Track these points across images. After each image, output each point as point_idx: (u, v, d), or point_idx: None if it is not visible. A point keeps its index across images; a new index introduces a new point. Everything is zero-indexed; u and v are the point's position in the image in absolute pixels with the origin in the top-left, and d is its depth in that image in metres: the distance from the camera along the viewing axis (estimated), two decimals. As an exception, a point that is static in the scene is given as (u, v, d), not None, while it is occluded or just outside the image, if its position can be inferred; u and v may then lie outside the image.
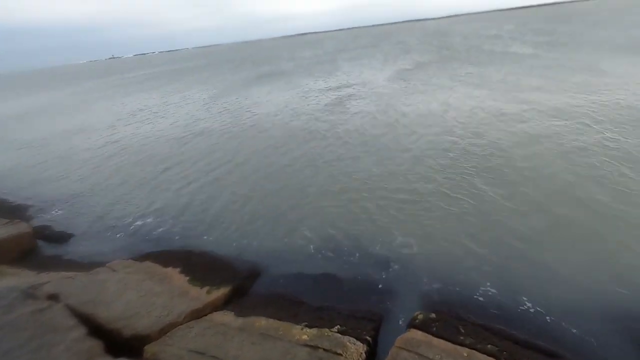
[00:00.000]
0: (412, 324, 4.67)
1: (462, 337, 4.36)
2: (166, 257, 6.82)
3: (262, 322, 4.94)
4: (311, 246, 6.97)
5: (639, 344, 4.38)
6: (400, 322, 5.06)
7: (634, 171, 7.96)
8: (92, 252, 7.59)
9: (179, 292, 5.73)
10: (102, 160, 14.20)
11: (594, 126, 10.88)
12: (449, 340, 4.27)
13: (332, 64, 41.69)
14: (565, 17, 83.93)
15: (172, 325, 4.90)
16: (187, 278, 6.10)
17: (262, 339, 4.56)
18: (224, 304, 5.62)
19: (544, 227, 6.64)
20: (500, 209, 7.28)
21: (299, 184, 9.60)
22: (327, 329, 4.70)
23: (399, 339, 4.33)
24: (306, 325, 4.82)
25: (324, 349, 4.26)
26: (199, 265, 6.57)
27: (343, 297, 5.66)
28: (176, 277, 6.16)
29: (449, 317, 4.75)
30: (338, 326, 4.79)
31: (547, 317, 4.88)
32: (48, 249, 8.01)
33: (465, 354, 4.05)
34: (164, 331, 4.79)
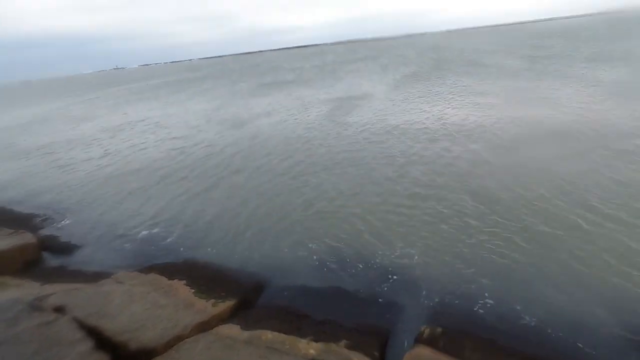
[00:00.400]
0: (419, 339, 4.66)
1: (469, 354, 4.35)
2: (171, 268, 6.83)
3: (268, 335, 4.93)
4: (314, 258, 6.98)
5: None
6: (407, 337, 5.03)
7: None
8: (96, 263, 7.59)
9: (184, 304, 5.72)
10: (104, 170, 14.27)
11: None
12: (457, 357, 4.26)
13: (332, 74, 42.26)
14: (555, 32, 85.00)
15: (178, 338, 4.89)
16: (193, 290, 6.09)
17: (268, 353, 4.54)
18: (230, 316, 5.60)
19: (545, 239, 6.67)
20: (501, 221, 7.31)
21: (302, 195, 9.65)
22: (333, 344, 4.69)
23: (407, 355, 4.32)
24: (312, 339, 4.81)
25: (332, 364, 4.25)
26: (203, 277, 6.57)
27: (347, 310, 5.65)
28: (181, 289, 6.15)
29: (455, 332, 4.74)
30: (345, 340, 4.77)
31: (552, 332, 4.87)
32: (53, 260, 8.00)
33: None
34: (170, 344, 4.77)
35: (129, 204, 10.55)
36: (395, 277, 6.24)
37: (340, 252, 7.05)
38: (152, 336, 4.89)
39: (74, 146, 19.50)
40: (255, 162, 12.81)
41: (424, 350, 4.34)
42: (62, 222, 9.77)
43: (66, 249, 8.34)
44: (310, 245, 7.34)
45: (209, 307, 5.65)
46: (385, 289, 6.03)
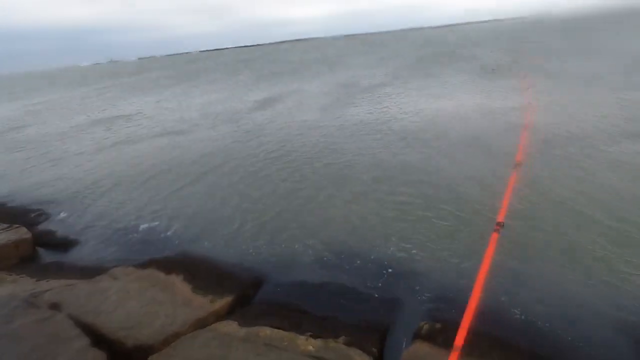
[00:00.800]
0: (418, 335, 4.66)
1: (468, 349, 4.34)
2: (168, 264, 6.78)
3: (266, 332, 4.91)
4: (313, 253, 6.95)
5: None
6: (406, 333, 5.01)
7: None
8: (92, 258, 7.52)
9: (182, 300, 5.68)
10: (99, 164, 14.12)
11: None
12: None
13: (330, 68, 42.11)
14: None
15: (176, 335, 4.86)
16: (190, 286, 6.06)
17: (266, 350, 4.53)
18: (228, 313, 5.58)
19: (544, 230, 6.68)
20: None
21: (300, 190, 9.61)
22: (332, 340, 4.68)
23: (405, 351, 4.33)
24: (311, 336, 4.79)
25: (330, 361, 4.24)
26: (201, 272, 6.53)
27: (346, 306, 5.63)
28: (179, 285, 6.12)
29: (454, 328, 4.73)
30: (343, 337, 4.76)
31: (556, 329, 4.87)
32: (48, 255, 7.93)
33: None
34: (167, 341, 4.74)
35: (125, 198, 10.46)
36: (393, 271, 6.23)
37: (338, 247, 7.03)
38: (149, 333, 4.86)
39: (67, 139, 19.29)
40: (252, 157, 12.72)
41: (422, 346, 4.34)
42: (57, 216, 9.67)
43: (62, 244, 8.27)
44: (308, 241, 7.31)
45: (206, 304, 5.62)
46: (384, 284, 6.02)
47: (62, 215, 9.74)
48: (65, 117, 27.15)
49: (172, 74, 65.64)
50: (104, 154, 15.45)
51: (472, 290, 4.43)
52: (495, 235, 5.23)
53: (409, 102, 18.62)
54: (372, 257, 6.64)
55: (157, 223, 8.72)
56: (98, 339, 4.64)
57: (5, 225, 8.40)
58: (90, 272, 6.76)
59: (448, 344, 4.42)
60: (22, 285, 6.23)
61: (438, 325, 4.78)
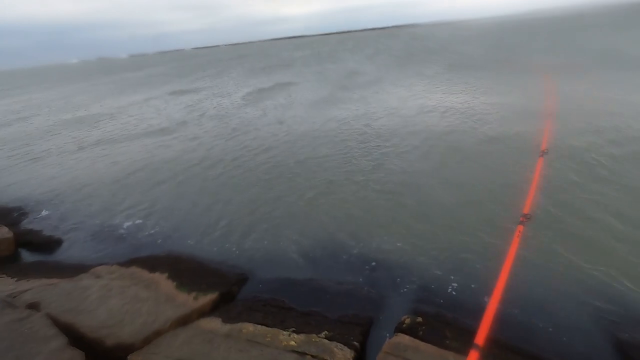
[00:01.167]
0: (400, 329, 4.69)
1: (448, 341, 4.40)
2: (152, 262, 6.71)
3: (249, 328, 4.90)
4: (298, 250, 6.95)
5: (622, 347, 4.46)
6: (389, 327, 5.05)
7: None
8: (75, 258, 7.41)
9: (165, 298, 5.63)
10: (81, 162, 13.92)
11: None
12: (436, 345, 4.30)
13: (320, 65, 42.11)
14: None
15: (158, 333, 4.82)
16: (174, 284, 6.00)
17: (249, 346, 4.52)
18: (211, 309, 5.55)
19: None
20: (480, 209, 7.39)
21: (284, 186, 9.60)
22: (314, 335, 4.69)
23: (386, 343, 4.34)
24: (294, 331, 4.80)
25: (312, 355, 4.24)
26: (186, 270, 6.48)
27: (331, 301, 5.64)
28: (163, 282, 6.06)
29: (435, 321, 4.78)
30: (326, 332, 4.77)
31: (534, 322, 4.95)
32: (29, 255, 7.79)
33: (452, 359, 4.08)
34: (148, 339, 4.69)
35: (108, 196, 10.32)
36: (378, 267, 6.26)
37: (323, 244, 7.03)
38: (130, 331, 4.81)
39: (49, 138, 18.97)
40: (237, 154, 12.68)
41: (403, 339, 4.37)
42: (39, 216, 9.50)
43: (44, 243, 8.13)
44: (293, 237, 7.30)
45: (190, 301, 5.58)
46: (368, 279, 6.05)
47: (44, 214, 9.58)
48: (48, 115, 26.67)
49: (164, 71, 64.84)
50: (86, 152, 15.23)
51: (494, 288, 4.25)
52: (521, 227, 5.22)
53: (391, 99, 18.72)
54: (357, 253, 6.66)
55: (140, 221, 8.63)
56: (77, 338, 4.58)
57: (-14, 225, 8.23)
58: (72, 271, 6.66)
59: (428, 337, 4.49)
60: (1, 286, 6.10)
61: (419, 319, 4.83)
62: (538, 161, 8.22)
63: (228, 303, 5.78)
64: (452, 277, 5.82)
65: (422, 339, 4.42)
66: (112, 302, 5.43)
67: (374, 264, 6.34)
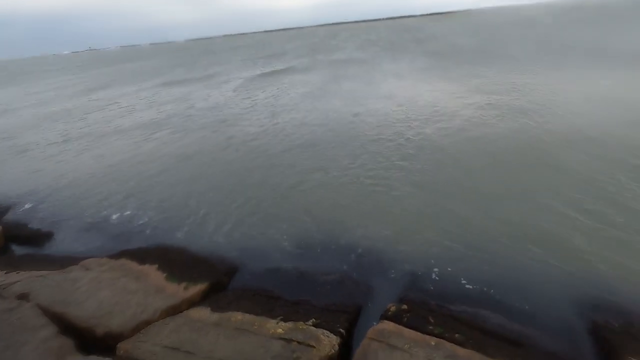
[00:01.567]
0: (385, 316, 4.82)
1: (431, 327, 4.53)
2: (142, 254, 6.75)
3: (238, 317, 4.98)
4: (287, 241, 7.03)
5: (597, 333, 4.63)
6: (375, 314, 5.17)
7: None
8: (65, 251, 7.41)
9: (155, 289, 5.69)
10: (68, 155, 13.84)
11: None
12: (419, 330, 4.43)
13: (311, 57, 41.90)
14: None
15: (147, 323, 4.88)
16: (164, 275, 6.06)
17: (237, 334, 4.61)
18: (201, 300, 5.62)
19: (512, 217, 6.93)
20: (470, 201, 7.53)
21: (273, 178, 9.65)
22: (301, 323, 4.79)
23: (370, 330, 4.47)
24: (281, 320, 4.89)
25: (298, 342, 4.35)
26: (176, 261, 6.52)
27: (319, 290, 5.74)
28: (152, 274, 6.11)
29: (420, 308, 4.92)
30: (313, 319, 4.88)
31: (513, 308, 5.11)
32: (19, 248, 7.77)
33: (433, 343, 4.22)
34: (138, 328, 4.76)
35: (97, 188, 10.29)
36: (365, 256, 6.38)
37: (311, 234, 7.13)
38: (120, 321, 4.87)
39: (36, 131, 18.73)
40: (225, 145, 12.71)
41: (387, 325, 4.49)
42: (28, 209, 9.44)
43: (33, 236, 8.11)
44: (282, 227, 7.38)
45: (179, 291, 5.64)
46: (356, 268, 6.16)
47: (31, 207, 9.53)
48: (35, 109, 26.23)
49: (156, 63, 63.87)
50: (73, 145, 15.14)
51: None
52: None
53: (381, 89, 18.76)
54: (344, 243, 6.76)
55: (129, 213, 8.64)
56: (67, 327, 4.63)
57: (-26, 218, 8.18)
58: (62, 263, 6.67)
59: (412, 323, 4.62)
60: (-10, 278, 6.10)
61: (404, 307, 4.95)
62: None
63: (218, 293, 5.85)
64: (437, 265, 5.96)
65: (406, 326, 4.55)
66: (102, 294, 5.48)
67: (361, 253, 6.46)
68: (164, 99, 24.40)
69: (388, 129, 12.26)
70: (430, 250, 6.30)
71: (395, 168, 9.37)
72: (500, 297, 5.28)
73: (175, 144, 13.65)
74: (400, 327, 4.48)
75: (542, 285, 5.39)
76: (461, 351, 4.13)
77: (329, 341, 4.39)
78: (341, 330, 4.66)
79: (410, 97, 16.79)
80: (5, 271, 6.54)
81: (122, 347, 4.35)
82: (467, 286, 5.55)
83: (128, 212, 8.68)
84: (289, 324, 4.74)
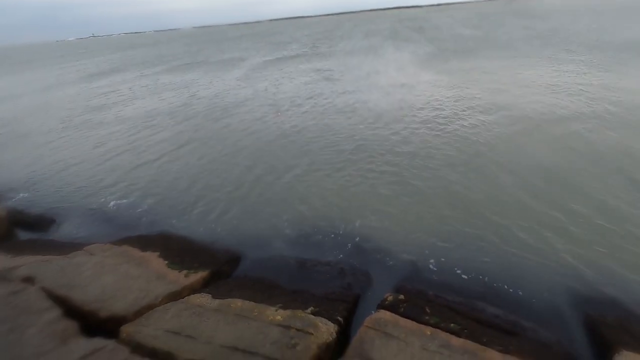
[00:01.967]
0: (382, 305, 4.90)
1: (427, 317, 4.61)
2: (144, 240, 6.85)
3: (238, 303, 5.08)
4: (287, 230, 7.10)
5: (591, 325, 4.69)
6: (372, 304, 5.25)
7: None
8: (69, 236, 7.53)
9: (156, 275, 5.79)
10: (68, 142, 13.88)
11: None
12: (415, 320, 4.51)
13: (316, 46, 41.63)
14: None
15: (149, 307, 4.99)
16: (166, 262, 6.16)
17: (236, 320, 4.70)
18: (202, 287, 5.72)
19: (511, 204, 6.97)
20: (471, 192, 7.56)
21: (274, 168, 9.70)
22: (300, 310, 4.88)
23: (367, 319, 4.55)
24: (281, 307, 4.98)
25: (296, 329, 4.44)
26: (177, 249, 6.63)
27: (318, 279, 5.83)
28: (154, 260, 6.21)
29: (416, 298, 4.99)
30: (312, 308, 4.97)
31: (509, 299, 5.18)
32: (23, 233, 7.89)
33: (429, 332, 4.29)
34: (140, 313, 4.87)
35: (98, 175, 10.36)
36: (364, 246, 6.46)
37: (311, 224, 7.19)
38: (123, 305, 4.98)
39: (36, 117, 18.76)
40: (227, 133, 12.74)
41: (384, 315, 4.57)
42: (30, 194, 9.55)
43: (37, 221, 8.22)
44: (283, 217, 7.45)
45: (181, 278, 5.74)
46: (355, 258, 6.24)
47: (35, 193, 9.63)
48: (33, 96, 26.20)
49: (161, 50, 63.52)
50: (72, 132, 15.14)
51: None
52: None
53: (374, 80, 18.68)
54: (345, 233, 6.82)
55: (133, 201, 8.72)
56: (70, 311, 4.74)
57: (-21, 203, 8.29)
58: (66, 248, 6.78)
59: (409, 313, 4.70)
60: (-5, 262, 6.22)
61: (401, 297, 5.03)
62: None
63: (218, 280, 5.95)
64: (434, 255, 6.03)
65: (402, 315, 4.63)
66: (104, 279, 5.58)
67: (360, 243, 6.53)
68: (164, 86, 24.35)
69: (391, 118, 12.25)
70: (428, 240, 6.36)
71: (396, 158, 9.39)
72: (496, 288, 5.35)
73: (176, 131, 13.69)
74: (397, 316, 4.56)
75: (538, 277, 5.45)
76: (456, 340, 4.21)
77: (327, 329, 4.48)
78: (339, 318, 4.74)
79: (411, 87, 16.71)
80: (10, 255, 6.66)
81: (125, 330, 4.46)
82: (464, 276, 5.62)
83: (129, 199, 8.76)
84: (288, 312, 4.83)
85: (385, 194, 7.81)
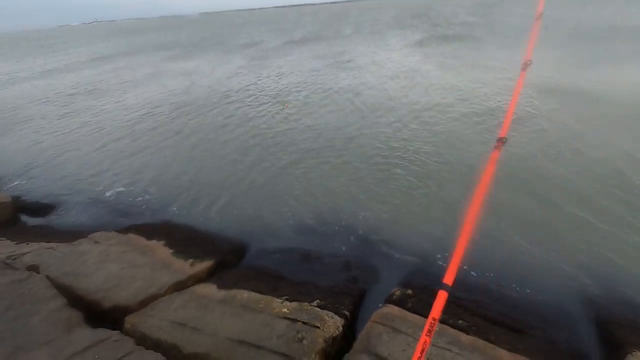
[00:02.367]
0: (389, 300, 4.83)
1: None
2: (150, 229, 6.81)
3: (243, 295, 5.03)
4: (294, 221, 7.03)
5: (600, 324, 4.61)
6: (380, 298, 5.19)
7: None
8: (73, 224, 7.51)
9: (161, 264, 5.75)
10: (67, 128, 13.80)
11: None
12: (423, 316, 4.43)
13: (322, 33, 41.01)
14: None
15: (154, 297, 4.95)
16: (171, 251, 6.11)
17: (242, 311, 4.66)
18: (207, 277, 5.68)
19: (522, 201, 6.84)
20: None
21: (280, 159, 9.58)
22: (306, 303, 4.82)
23: (375, 313, 4.49)
24: (287, 299, 4.93)
25: (303, 322, 4.38)
26: (183, 238, 6.58)
27: (324, 272, 5.77)
28: (159, 249, 6.17)
29: (424, 294, 4.92)
30: (318, 300, 4.91)
31: (517, 296, 5.09)
32: (28, 220, 7.88)
33: (437, 329, 4.20)
34: (144, 303, 4.83)
35: (102, 163, 10.31)
36: (371, 239, 6.36)
37: (317, 216, 7.10)
38: (127, 295, 4.94)
39: (36, 103, 18.68)
40: (233, 123, 12.57)
41: (392, 309, 4.51)
42: (34, 181, 9.53)
43: (42, 208, 8.21)
44: (290, 208, 7.37)
45: (186, 268, 5.70)
46: (361, 251, 6.16)
47: (39, 179, 9.60)
48: (33, 82, 26.08)
49: (164, 37, 62.89)
50: (71, 119, 15.04)
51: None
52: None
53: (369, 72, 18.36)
54: (352, 225, 6.73)
55: (134, 188, 8.66)
56: (75, 299, 4.71)
57: (-17, 189, 8.27)
58: (70, 236, 6.77)
59: (417, 308, 4.63)
60: (0, 248, 6.21)
61: (409, 291, 4.96)
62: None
63: (224, 271, 5.90)
64: (442, 251, 5.93)
65: (410, 310, 4.56)
66: (109, 267, 5.55)
67: (367, 236, 6.44)
68: (165, 74, 24.14)
69: (404, 111, 12.00)
70: (436, 235, 6.26)
71: (402, 150, 9.22)
72: (504, 286, 5.26)
73: (181, 119, 13.56)
74: (405, 311, 4.49)
75: (546, 275, 5.35)
76: (465, 337, 4.14)
77: (334, 322, 4.42)
78: (345, 312, 4.68)
79: (416, 76, 16.43)
80: (15, 242, 6.66)
81: (130, 320, 4.43)
82: (472, 273, 5.52)
83: (134, 188, 8.71)
84: (294, 304, 4.78)
85: (394, 188, 7.68)
